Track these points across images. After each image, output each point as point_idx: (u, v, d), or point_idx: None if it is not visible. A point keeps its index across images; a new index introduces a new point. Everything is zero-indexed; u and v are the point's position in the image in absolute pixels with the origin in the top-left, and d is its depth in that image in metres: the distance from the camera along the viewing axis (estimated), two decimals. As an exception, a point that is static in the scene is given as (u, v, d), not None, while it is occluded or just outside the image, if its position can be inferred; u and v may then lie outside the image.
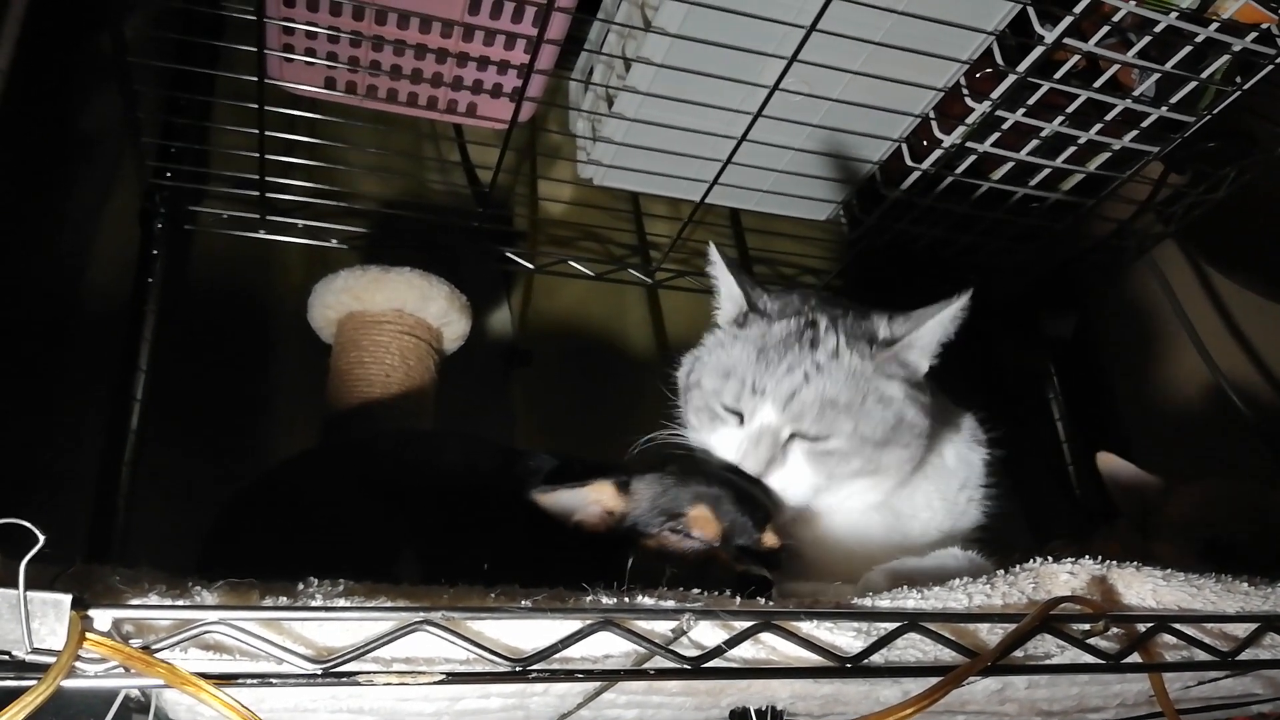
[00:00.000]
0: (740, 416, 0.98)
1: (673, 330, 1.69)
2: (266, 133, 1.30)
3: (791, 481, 0.96)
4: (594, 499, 0.90)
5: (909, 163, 1.43)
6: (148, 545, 1.25)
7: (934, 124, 1.37)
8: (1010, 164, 1.46)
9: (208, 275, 1.47)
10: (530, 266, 1.61)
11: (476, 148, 1.60)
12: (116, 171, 1.41)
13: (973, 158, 1.44)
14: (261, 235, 1.47)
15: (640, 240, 1.68)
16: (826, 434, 0.95)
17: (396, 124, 1.45)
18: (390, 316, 1.28)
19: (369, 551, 0.84)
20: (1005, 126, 1.37)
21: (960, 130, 1.36)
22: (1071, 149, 1.43)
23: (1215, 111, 1.33)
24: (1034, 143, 1.41)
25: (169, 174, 1.39)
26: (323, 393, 1.33)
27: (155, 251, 1.38)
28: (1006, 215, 1.57)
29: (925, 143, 1.41)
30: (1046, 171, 1.48)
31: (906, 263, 1.67)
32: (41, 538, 0.52)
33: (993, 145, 1.40)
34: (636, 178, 1.46)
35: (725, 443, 0.99)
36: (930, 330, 1.00)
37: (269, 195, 1.42)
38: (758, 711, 0.77)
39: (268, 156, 1.35)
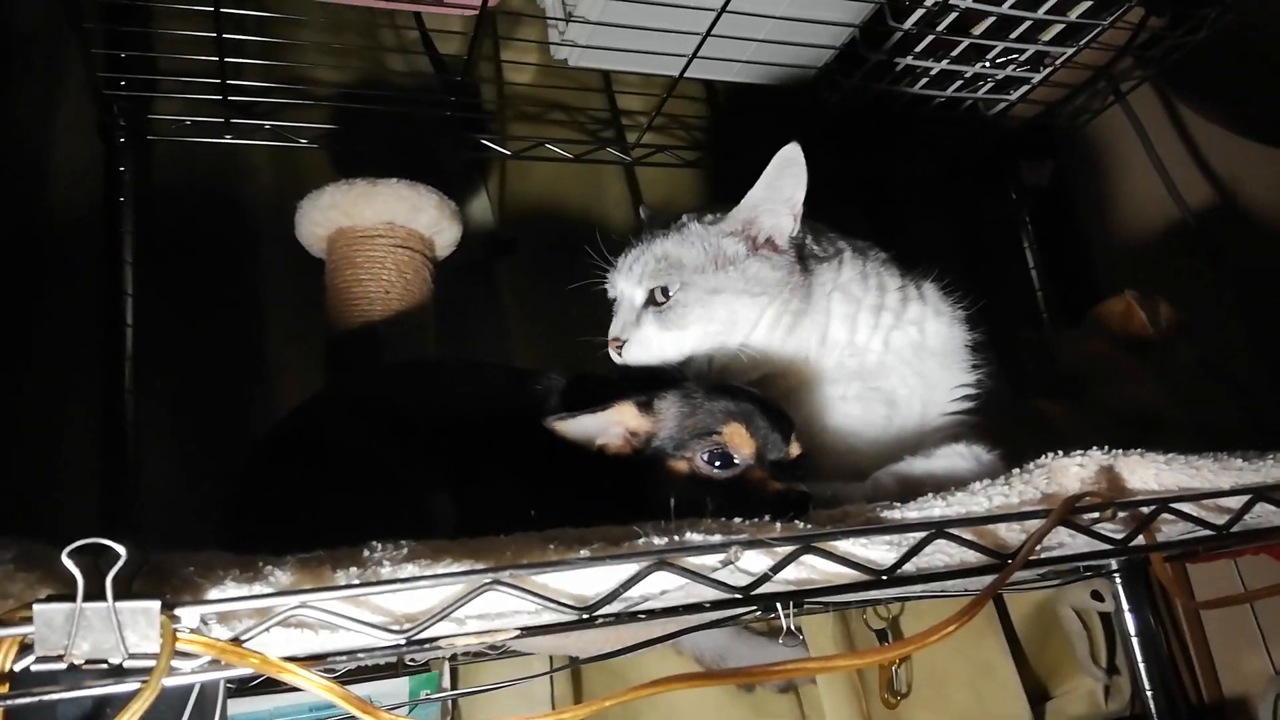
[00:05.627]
0: None
1: (652, 205, 1.67)
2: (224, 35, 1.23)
3: (646, 340, 1.08)
4: (616, 420, 0.87)
5: (891, 23, 1.40)
6: (157, 486, 1.26)
7: (916, -18, 1.33)
8: (992, 18, 1.42)
9: (177, 185, 1.41)
10: (506, 153, 1.55)
11: (436, 31, 1.52)
12: (61, 76, 1.33)
13: (955, 14, 1.40)
14: (228, 140, 1.40)
15: (614, 117, 1.63)
16: (665, 286, 1.07)
17: (350, 13, 1.37)
18: (382, 230, 1.24)
19: (399, 496, 0.83)
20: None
21: (943, -13, 1.32)
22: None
23: (1197, -47, 1.31)
24: (1016, -6, 1.37)
25: (123, 83, 1.31)
26: (315, 296, 1.30)
27: (122, 168, 1.32)
28: (986, 68, 1.55)
29: (907, 2, 1.37)
30: (1028, 24, 1.45)
31: (885, 124, 1.65)
32: (123, 553, 0.53)
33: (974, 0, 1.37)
34: (614, 56, 1.40)
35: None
36: (760, 191, 1.07)
37: (231, 98, 1.35)
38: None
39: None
